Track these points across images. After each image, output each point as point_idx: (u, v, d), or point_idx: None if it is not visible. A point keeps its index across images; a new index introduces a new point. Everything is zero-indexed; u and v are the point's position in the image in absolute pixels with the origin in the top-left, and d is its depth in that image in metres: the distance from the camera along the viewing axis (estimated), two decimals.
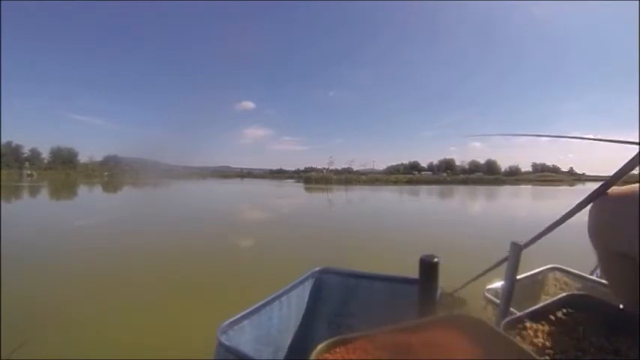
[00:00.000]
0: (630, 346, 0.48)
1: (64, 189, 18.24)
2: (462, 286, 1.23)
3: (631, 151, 0.57)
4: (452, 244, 4.45)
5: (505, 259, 0.79)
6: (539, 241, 0.79)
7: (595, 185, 0.67)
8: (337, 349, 0.39)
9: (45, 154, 51.16)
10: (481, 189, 24.64)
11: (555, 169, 59.40)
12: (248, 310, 0.80)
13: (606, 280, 0.77)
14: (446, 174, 53.74)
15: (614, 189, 0.63)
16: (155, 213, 8.82)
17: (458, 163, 62.54)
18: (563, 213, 0.72)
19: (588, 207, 0.67)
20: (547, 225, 0.76)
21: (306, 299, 1.04)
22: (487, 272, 1.09)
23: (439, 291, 0.80)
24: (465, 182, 38.52)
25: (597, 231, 0.65)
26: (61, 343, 1.77)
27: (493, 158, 62.74)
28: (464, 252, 3.56)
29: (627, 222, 0.57)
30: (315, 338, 1.02)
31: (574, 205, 0.69)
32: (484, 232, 5.69)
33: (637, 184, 0.58)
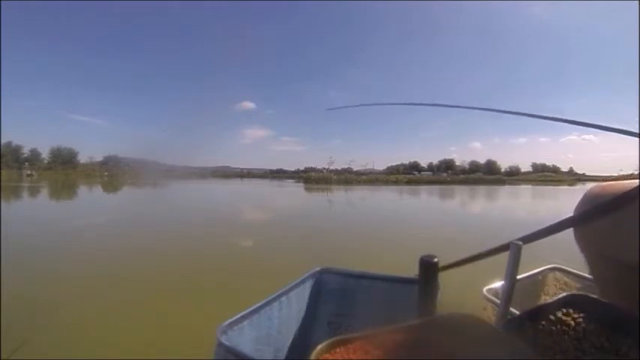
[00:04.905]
0: (630, 346, 0.47)
1: (63, 189, 18.22)
2: (458, 262, 1.20)
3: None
4: (452, 243, 4.44)
5: (502, 247, 0.78)
6: (540, 241, 0.79)
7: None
8: (337, 349, 0.39)
9: (45, 155, 50.99)
10: (481, 189, 24.61)
11: (555, 170, 59.20)
12: (248, 311, 0.80)
13: (595, 282, 0.77)
14: (446, 174, 53.62)
15: (599, 196, 0.64)
16: (155, 213, 8.81)
17: (458, 163, 62.40)
18: (563, 218, 0.72)
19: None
20: (548, 225, 0.76)
21: (306, 299, 1.04)
22: (485, 257, 1.07)
23: (439, 291, 0.80)
24: (465, 182, 38.48)
25: (584, 235, 0.67)
26: (61, 343, 1.77)
27: (493, 159, 62.61)
28: (464, 251, 3.56)
29: (614, 228, 0.59)
30: (315, 338, 1.02)
31: (571, 213, 0.70)
32: (485, 232, 5.69)
33: (621, 193, 0.59)
